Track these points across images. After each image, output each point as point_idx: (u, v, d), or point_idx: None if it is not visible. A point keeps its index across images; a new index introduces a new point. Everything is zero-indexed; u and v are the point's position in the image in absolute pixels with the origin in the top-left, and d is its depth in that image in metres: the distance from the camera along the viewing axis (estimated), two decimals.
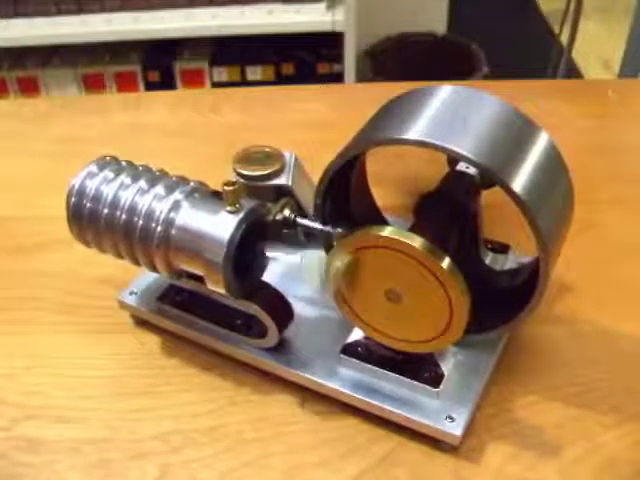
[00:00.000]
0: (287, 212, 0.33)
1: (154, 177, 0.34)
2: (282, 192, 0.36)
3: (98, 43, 1.56)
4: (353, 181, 0.36)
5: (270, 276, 0.35)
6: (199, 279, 0.33)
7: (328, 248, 0.32)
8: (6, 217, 0.47)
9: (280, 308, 0.34)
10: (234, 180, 0.32)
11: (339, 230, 0.32)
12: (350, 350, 0.34)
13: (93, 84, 1.64)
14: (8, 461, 0.32)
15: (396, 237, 0.29)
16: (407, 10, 1.57)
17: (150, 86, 1.61)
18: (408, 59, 1.51)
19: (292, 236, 0.34)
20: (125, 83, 1.64)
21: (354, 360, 0.34)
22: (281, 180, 0.36)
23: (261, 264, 0.34)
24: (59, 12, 1.54)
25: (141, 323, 0.38)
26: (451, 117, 0.31)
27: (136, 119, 0.56)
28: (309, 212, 0.34)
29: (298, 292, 0.37)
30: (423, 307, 0.31)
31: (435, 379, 0.33)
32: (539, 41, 1.64)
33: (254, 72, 1.41)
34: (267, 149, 0.38)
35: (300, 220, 0.33)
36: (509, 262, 0.37)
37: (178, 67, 1.57)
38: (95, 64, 1.64)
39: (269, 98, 0.57)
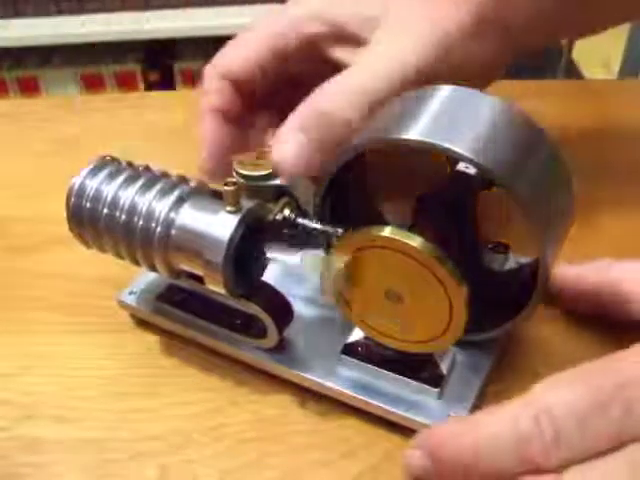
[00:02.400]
0: (287, 212, 0.33)
1: (154, 177, 0.34)
2: (282, 192, 0.36)
3: (98, 43, 1.56)
4: (353, 181, 0.36)
5: (270, 276, 0.35)
6: (199, 279, 0.33)
7: (328, 248, 0.32)
8: (6, 217, 0.47)
9: (280, 308, 0.34)
10: (234, 180, 0.32)
11: (339, 230, 0.32)
12: (350, 350, 0.34)
13: (93, 84, 1.64)
14: (8, 461, 0.32)
15: (396, 237, 0.29)
16: None
17: (150, 86, 1.61)
18: None
19: (292, 236, 0.34)
20: (125, 83, 1.64)
21: (354, 360, 0.34)
22: (281, 180, 0.36)
23: (261, 264, 0.34)
24: (59, 12, 1.54)
25: (141, 323, 0.38)
26: (451, 117, 0.31)
27: (136, 119, 0.56)
28: (309, 212, 0.34)
29: (298, 292, 0.37)
30: (423, 307, 0.31)
31: (435, 379, 0.33)
32: None
33: None
34: (267, 149, 0.37)
35: (300, 220, 0.33)
36: (509, 262, 0.37)
37: (178, 67, 1.57)
38: (95, 64, 1.63)
39: None
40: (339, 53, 0.39)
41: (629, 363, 0.28)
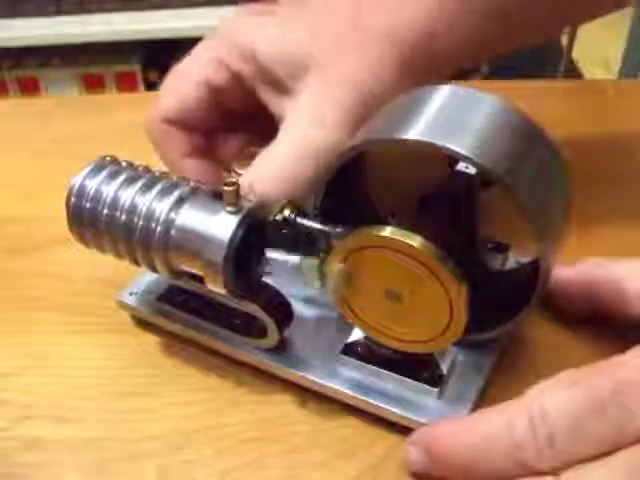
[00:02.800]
0: (287, 212, 0.33)
1: (154, 177, 0.34)
2: None
3: (98, 43, 1.56)
4: (353, 181, 0.36)
5: (270, 276, 0.35)
6: (199, 279, 0.33)
7: (328, 248, 0.32)
8: (6, 217, 0.47)
9: (280, 308, 0.34)
10: (234, 180, 0.32)
11: (339, 230, 0.32)
12: (350, 350, 0.34)
13: (93, 84, 1.64)
14: (8, 461, 0.32)
15: (396, 237, 0.29)
16: None
17: (150, 86, 1.61)
18: None
19: (292, 236, 0.34)
20: (125, 83, 1.64)
21: (354, 360, 0.34)
22: None
23: (261, 264, 0.34)
24: (59, 12, 1.54)
25: (141, 323, 0.38)
26: (451, 117, 0.31)
27: (136, 119, 0.56)
28: (309, 212, 0.34)
29: (298, 292, 0.37)
30: (423, 307, 0.31)
31: (435, 379, 0.33)
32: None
33: None
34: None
35: (300, 220, 0.33)
36: (509, 262, 0.37)
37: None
38: (95, 64, 1.63)
39: None
40: (265, 96, 0.38)
41: (626, 366, 0.28)
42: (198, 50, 0.39)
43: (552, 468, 0.27)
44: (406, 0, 0.37)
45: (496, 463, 0.28)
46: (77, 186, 0.34)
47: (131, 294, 0.38)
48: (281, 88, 0.37)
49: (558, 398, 0.28)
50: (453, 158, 0.29)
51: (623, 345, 0.30)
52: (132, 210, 0.33)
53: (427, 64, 0.36)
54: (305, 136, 0.35)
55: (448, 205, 0.34)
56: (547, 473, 0.27)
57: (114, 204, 0.33)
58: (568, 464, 0.27)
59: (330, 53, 0.36)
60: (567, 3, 0.40)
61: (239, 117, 0.40)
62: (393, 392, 0.33)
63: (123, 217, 0.33)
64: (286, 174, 0.35)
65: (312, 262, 0.32)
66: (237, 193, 0.31)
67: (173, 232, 0.32)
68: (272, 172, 0.35)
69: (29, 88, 1.60)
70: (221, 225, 0.31)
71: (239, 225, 0.31)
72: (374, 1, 0.37)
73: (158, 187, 0.33)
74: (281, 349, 0.35)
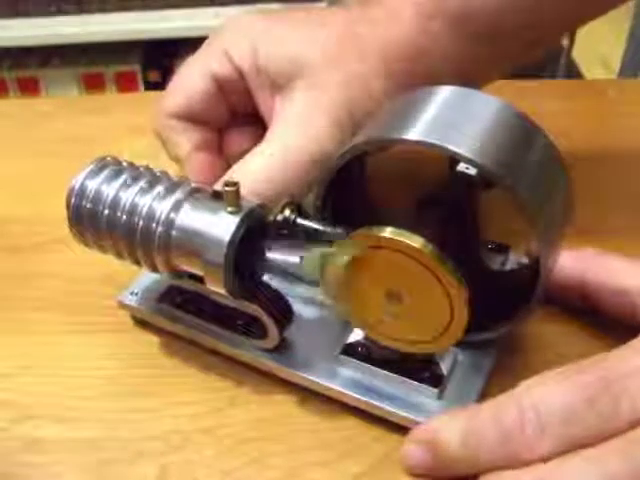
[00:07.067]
0: (287, 212, 0.33)
1: (154, 178, 0.34)
2: None
3: (98, 43, 1.56)
4: (353, 182, 0.36)
5: (270, 276, 0.35)
6: (200, 280, 0.33)
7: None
8: (6, 217, 0.47)
9: (280, 309, 0.34)
10: (234, 181, 0.32)
11: (339, 230, 0.32)
12: (350, 350, 0.34)
13: (93, 84, 1.64)
14: (8, 461, 0.32)
15: (396, 237, 0.29)
16: None
17: (150, 86, 1.61)
18: None
19: (292, 236, 0.34)
20: (125, 83, 1.64)
21: (354, 360, 0.34)
22: None
23: (261, 265, 0.34)
24: (59, 12, 1.54)
25: (141, 323, 0.38)
26: (451, 117, 0.31)
27: (136, 119, 0.56)
28: (310, 213, 0.34)
29: (298, 292, 0.37)
30: (423, 307, 0.31)
31: (435, 379, 0.33)
32: None
33: None
34: None
35: (300, 221, 0.33)
36: (509, 262, 0.37)
37: (178, 67, 1.56)
38: (95, 64, 1.63)
39: None
40: (257, 95, 0.39)
41: (617, 361, 0.28)
42: (203, 47, 0.40)
43: (540, 458, 0.27)
44: (395, 18, 0.37)
45: (486, 455, 0.28)
46: (77, 186, 0.34)
47: (131, 294, 0.38)
48: (274, 88, 0.37)
49: (549, 390, 0.28)
50: (453, 159, 0.29)
51: (623, 344, 0.30)
52: (133, 210, 0.33)
53: (423, 80, 0.36)
54: (289, 139, 0.36)
55: (448, 205, 0.34)
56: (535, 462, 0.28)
57: (115, 204, 0.33)
58: (557, 454, 0.27)
59: (323, 60, 0.37)
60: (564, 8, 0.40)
61: (247, 113, 0.40)
62: (393, 392, 0.33)
63: (124, 217, 0.33)
64: (264, 176, 0.36)
65: (312, 261, 0.32)
66: (237, 193, 0.31)
67: (174, 232, 0.32)
68: (251, 174, 0.36)
69: (29, 88, 1.60)
70: (221, 225, 0.31)
71: (239, 225, 0.31)
72: (366, 16, 0.38)
73: (159, 187, 0.33)
74: (281, 349, 0.35)
